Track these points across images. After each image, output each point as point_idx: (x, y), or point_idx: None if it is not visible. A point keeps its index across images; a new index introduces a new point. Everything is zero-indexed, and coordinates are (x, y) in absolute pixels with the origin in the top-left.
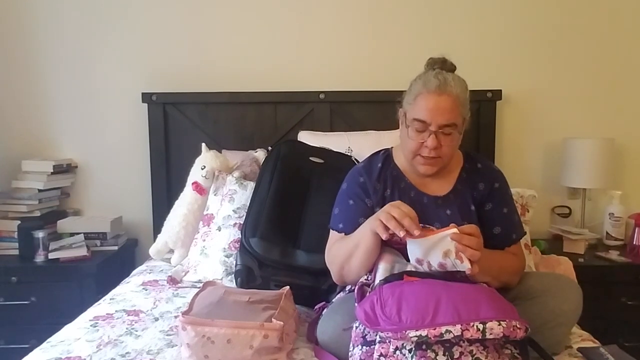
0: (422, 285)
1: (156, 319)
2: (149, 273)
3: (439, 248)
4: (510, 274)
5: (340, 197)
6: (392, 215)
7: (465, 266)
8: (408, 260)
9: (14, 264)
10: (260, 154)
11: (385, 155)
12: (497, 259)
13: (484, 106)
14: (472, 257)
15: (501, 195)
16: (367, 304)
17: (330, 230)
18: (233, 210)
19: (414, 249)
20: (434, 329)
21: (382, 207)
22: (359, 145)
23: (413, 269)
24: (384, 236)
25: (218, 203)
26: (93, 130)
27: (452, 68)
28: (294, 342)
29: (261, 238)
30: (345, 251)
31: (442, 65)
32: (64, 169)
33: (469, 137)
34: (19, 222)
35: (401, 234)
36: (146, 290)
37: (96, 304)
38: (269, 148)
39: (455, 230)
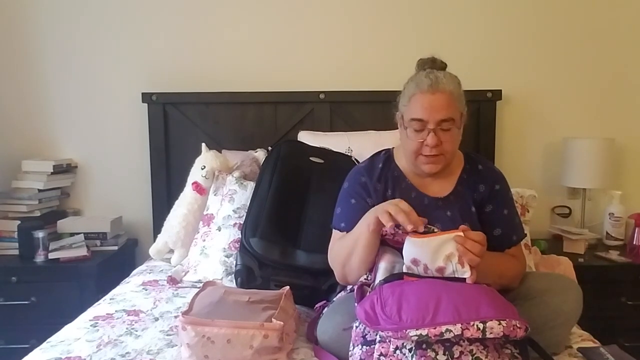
0: (423, 285)
1: (156, 319)
2: (149, 273)
3: (441, 251)
4: (510, 278)
5: (342, 196)
6: (387, 210)
7: (465, 272)
8: None
9: (14, 264)
10: (260, 154)
11: (387, 156)
12: (497, 265)
13: (484, 106)
14: (470, 262)
15: (502, 196)
16: (367, 304)
17: (333, 230)
18: (233, 210)
19: (413, 250)
20: (434, 328)
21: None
22: (359, 145)
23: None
24: (371, 228)
25: (218, 203)
26: (93, 130)
27: (442, 66)
28: (294, 342)
29: (261, 238)
30: (345, 249)
31: (432, 65)
32: (64, 169)
33: (469, 137)
34: (19, 222)
35: (389, 224)
36: (146, 290)
37: (96, 304)
38: (269, 148)
39: (460, 233)
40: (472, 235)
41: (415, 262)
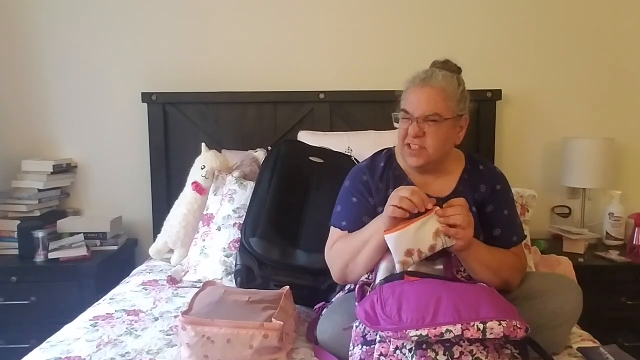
0: (423, 285)
1: (156, 319)
2: (149, 273)
3: (428, 231)
4: (511, 270)
5: (342, 195)
6: (404, 196)
7: (453, 241)
8: None
9: (14, 264)
10: (260, 154)
11: (388, 155)
12: (497, 254)
13: (484, 106)
14: (456, 220)
15: (503, 197)
16: (367, 304)
17: (331, 228)
18: (233, 210)
19: (404, 241)
20: (435, 329)
21: (385, 206)
22: (359, 145)
23: (401, 268)
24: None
25: (218, 203)
26: (93, 130)
27: (454, 69)
28: (294, 342)
29: (261, 238)
30: (351, 249)
31: (443, 66)
32: (64, 169)
33: (469, 137)
34: (19, 222)
35: (400, 214)
36: (146, 290)
37: (96, 304)
38: (269, 148)
39: (437, 208)
40: (452, 202)
41: (409, 252)
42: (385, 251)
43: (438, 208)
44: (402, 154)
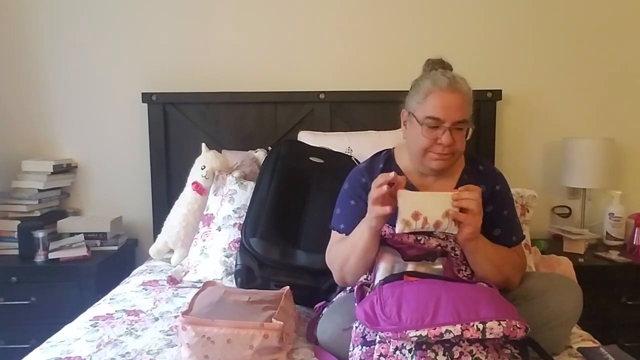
0: (422, 285)
1: (156, 319)
2: (149, 273)
3: (439, 206)
4: (512, 267)
5: (341, 197)
6: (374, 198)
7: (455, 229)
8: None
9: (14, 264)
10: (260, 154)
11: (387, 156)
12: (501, 250)
13: (484, 106)
14: (468, 204)
15: (502, 197)
16: (367, 304)
17: (332, 231)
18: (233, 210)
19: (415, 202)
20: (434, 329)
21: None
22: (359, 145)
23: (400, 228)
24: (371, 231)
25: (218, 203)
26: (93, 130)
27: (449, 68)
28: (294, 342)
29: (261, 238)
30: (344, 252)
31: (441, 65)
32: (64, 169)
33: (469, 137)
34: (19, 222)
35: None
36: (146, 290)
37: (96, 304)
38: (269, 148)
39: (456, 191)
40: (468, 186)
41: (416, 215)
42: (374, 253)
43: (456, 191)
44: (424, 159)
